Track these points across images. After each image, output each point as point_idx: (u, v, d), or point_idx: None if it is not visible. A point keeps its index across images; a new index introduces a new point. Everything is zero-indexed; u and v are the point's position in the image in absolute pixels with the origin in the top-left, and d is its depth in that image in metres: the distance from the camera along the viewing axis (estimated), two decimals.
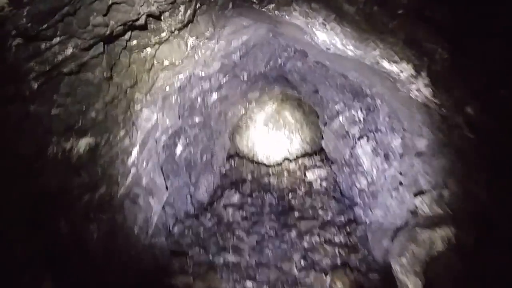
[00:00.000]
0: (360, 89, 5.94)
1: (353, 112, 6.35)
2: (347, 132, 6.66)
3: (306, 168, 9.22)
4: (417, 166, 4.25)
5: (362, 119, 6.22)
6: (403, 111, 4.21)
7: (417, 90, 3.31)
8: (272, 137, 12.26)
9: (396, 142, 5.10)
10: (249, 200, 7.84)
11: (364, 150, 5.96)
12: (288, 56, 6.34)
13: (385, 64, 3.22)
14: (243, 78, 6.98)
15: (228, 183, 9.22)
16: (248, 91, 8.90)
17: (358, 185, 6.48)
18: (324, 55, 4.42)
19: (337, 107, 6.61)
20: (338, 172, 7.71)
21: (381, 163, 5.56)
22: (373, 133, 5.75)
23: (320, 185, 8.04)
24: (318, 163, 8.98)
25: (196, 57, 4.42)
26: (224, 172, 9.90)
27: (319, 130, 12.24)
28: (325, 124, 7.45)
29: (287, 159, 10.69)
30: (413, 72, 3.13)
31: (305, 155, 10.53)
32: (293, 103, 12.47)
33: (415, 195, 4.16)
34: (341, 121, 6.64)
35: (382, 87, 4.08)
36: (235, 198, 8.01)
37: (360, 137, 6.03)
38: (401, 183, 4.82)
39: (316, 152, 10.38)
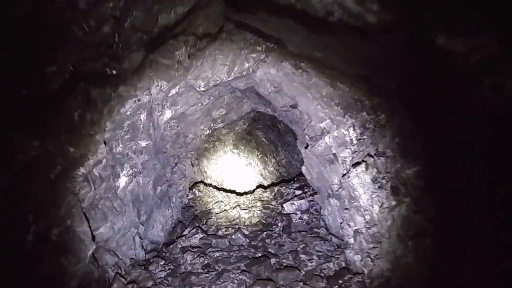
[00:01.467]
0: (353, 101, 4.43)
1: (343, 130, 4.81)
2: (335, 156, 5.09)
3: (282, 197, 7.55)
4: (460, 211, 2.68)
5: (355, 140, 4.68)
6: None
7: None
8: (243, 161, 10.60)
9: (410, 171, 3.56)
10: (213, 241, 6.03)
11: (361, 179, 4.39)
12: (257, 58, 4.77)
13: (441, 39, 1.66)
14: (199, 88, 5.32)
15: (190, 217, 7.39)
16: (211, 108, 7.24)
17: (351, 224, 4.86)
18: (316, 37, 2.82)
19: (322, 125, 5.05)
20: (323, 204, 6.10)
21: (387, 198, 3.99)
22: (374, 158, 4.19)
23: (301, 218, 6.38)
24: (297, 192, 7.34)
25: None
26: (186, 203, 8.07)
27: (296, 152, 10.73)
28: (306, 146, 5.87)
29: (261, 186, 9.01)
30: None
31: (281, 181, 8.89)
32: (266, 122, 10.94)
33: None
34: (328, 142, 5.08)
35: (416, 88, 2.52)
36: (197, 238, 6.20)
37: (356, 163, 4.46)
38: (426, 234, 3.24)
39: (294, 178, 8.78)
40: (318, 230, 5.99)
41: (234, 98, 7.41)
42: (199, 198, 8.16)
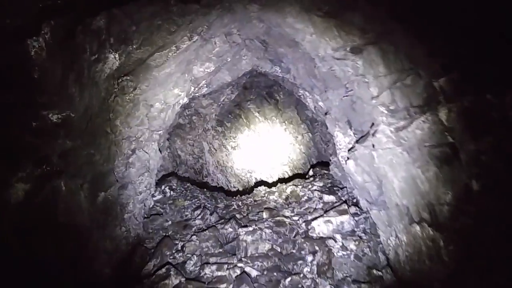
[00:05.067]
0: None
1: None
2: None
3: (300, 203, 4.84)
4: None
5: None
6: None
7: None
8: (230, 142, 7.78)
9: None
10: None
11: None
12: None
13: None
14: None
15: (157, 234, 4.60)
16: (193, 59, 4.30)
17: None
18: None
19: (440, 81, 2.35)
20: (387, 228, 3.48)
21: None
22: None
23: (345, 248, 3.68)
24: (326, 197, 4.64)
25: None
26: (151, 206, 5.24)
27: (300, 132, 8.04)
28: (372, 125, 3.15)
29: (262, 182, 6.26)
30: None
31: (293, 177, 6.16)
32: (261, 91, 8.09)
33: None
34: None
35: None
36: (169, 286, 3.45)
37: None
38: None
39: (308, 171, 6.05)
40: (380, 273, 3.39)
41: (230, 46, 4.49)
42: (171, 201, 5.33)
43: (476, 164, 2.39)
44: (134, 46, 3.16)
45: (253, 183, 6.76)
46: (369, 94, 3.12)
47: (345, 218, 3.92)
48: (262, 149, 7.85)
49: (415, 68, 2.46)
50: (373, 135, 3.07)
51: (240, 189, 6.81)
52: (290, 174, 7.41)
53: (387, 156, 2.96)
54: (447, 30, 2.27)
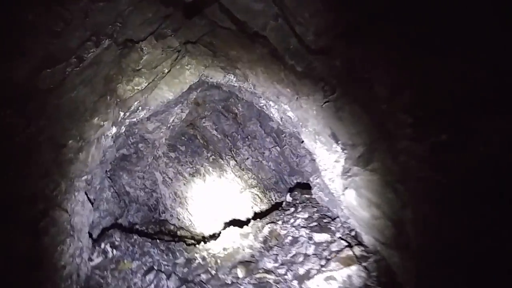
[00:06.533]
0: None
1: None
2: None
3: (284, 247, 3.66)
4: None
5: None
6: None
7: None
8: (188, 169, 6.52)
9: None
10: None
11: None
12: None
13: None
14: None
15: None
16: (114, 74, 3.03)
17: None
18: None
19: None
20: (421, 280, 2.43)
21: None
22: None
23: None
24: (317, 237, 3.45)
25: None
26: (87, 277, 3.83)
27: (267, 146, 6.94)
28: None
29: (234, 221, 5.03)
30: None
31: (269, 210, 4.99)
32: (216, 106, 6.89)
33: None
34: None
35: None
36: None
37: None
38: None
39: (288, 195, 4.86)
40: None
41: (165, 52, 3.27)
42: (113, 264, 3.95)
43: None
44: None
45: (220, 217, 5.53)
46: (373, 95, 2.06)
47: (353, 269, 2.82)
48: (225, 171, 6.68)
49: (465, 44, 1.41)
50: (393, 158, 1.99)
51: (205, 224, 5.54)
52: (262, 197, 6.29)
53: (423, 190, 1.90)
54: None
